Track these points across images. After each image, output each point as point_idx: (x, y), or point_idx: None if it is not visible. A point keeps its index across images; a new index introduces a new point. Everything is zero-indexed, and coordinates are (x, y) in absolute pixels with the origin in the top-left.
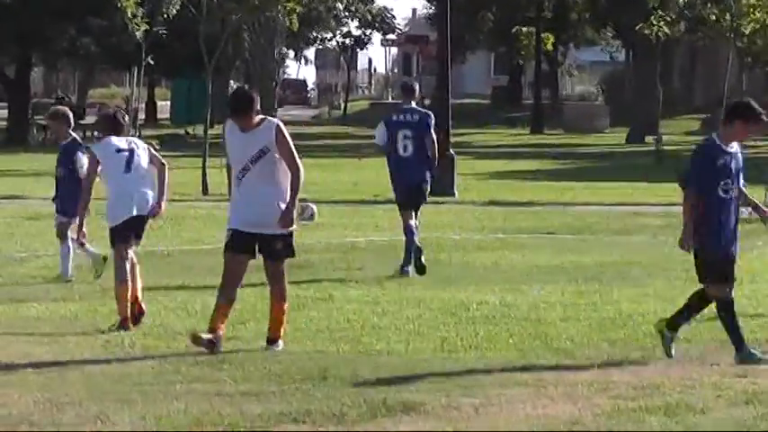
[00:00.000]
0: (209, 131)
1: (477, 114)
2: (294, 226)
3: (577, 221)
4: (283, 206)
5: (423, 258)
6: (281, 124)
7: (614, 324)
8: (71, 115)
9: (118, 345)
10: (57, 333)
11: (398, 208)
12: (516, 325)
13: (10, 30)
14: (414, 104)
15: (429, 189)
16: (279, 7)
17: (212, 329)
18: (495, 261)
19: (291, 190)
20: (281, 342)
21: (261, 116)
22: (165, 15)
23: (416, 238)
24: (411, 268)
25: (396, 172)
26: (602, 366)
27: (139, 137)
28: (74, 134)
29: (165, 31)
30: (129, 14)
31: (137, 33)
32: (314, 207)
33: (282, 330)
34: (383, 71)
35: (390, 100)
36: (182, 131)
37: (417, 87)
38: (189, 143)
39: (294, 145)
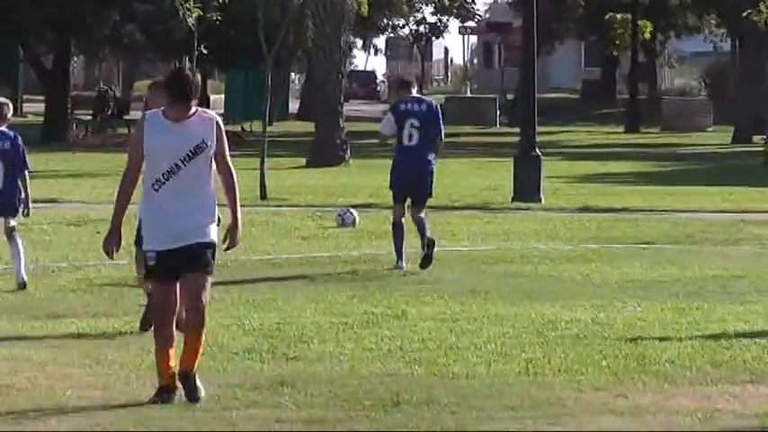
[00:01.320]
0: (269, 128)
1: (566, 111)
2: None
3: (677, 230)
4: (215, 214)
5: (434, 250)
6: (219, 118)
7: (719, 345)
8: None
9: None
10: (99, 352)
11: (393, 200)
12: (610, 345)
13: (47, 15)
14: (416, 94)
15: (431, 190)
16: None
17: (163, 387)
18: (586, 274)
19: (233, 198)
20: (198, 383)
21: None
22: (221, 0)
23: (428, 231)
24: (404, 263)
25: (399, 161)
26: (705, 392)
27: None
28: None
29: (219, 18)
30: None
31: (188, 20)
32: (355, 213)
33: (197, 364)
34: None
35: (469, 94)
36: (237, 128)
37: (414, 80)
38: (245, 141)
39: (363, 144)
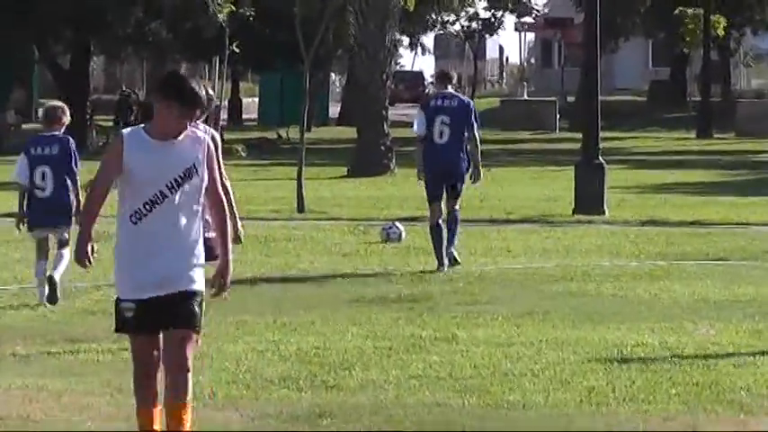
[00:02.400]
0: (307, 135)
1: (632, 114)
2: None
3: (754, 245)
4: (202, 255)
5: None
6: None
7: None
8: None
9: (195, 395)
10: (120, 380)
11: (428, 200)
12: (680, 372)
13: (64, 11)
14: (451, 89)
15: (464, 184)
16: None
17: None
18: (654, 293)
19: (224, 234)
20: None
21: None
22: None
23: (458, 228)
24: (455, 250)
25: (429, 159)
26: None
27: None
28: None
29: (252, 13)
30: None
31: (219, 16)
32: (401, 227)
33: None
34: (517, 61)
35: (525, 96)
36: (273, 135)
37: (454, 74)
38: (281, 149)
39: (410, 152)
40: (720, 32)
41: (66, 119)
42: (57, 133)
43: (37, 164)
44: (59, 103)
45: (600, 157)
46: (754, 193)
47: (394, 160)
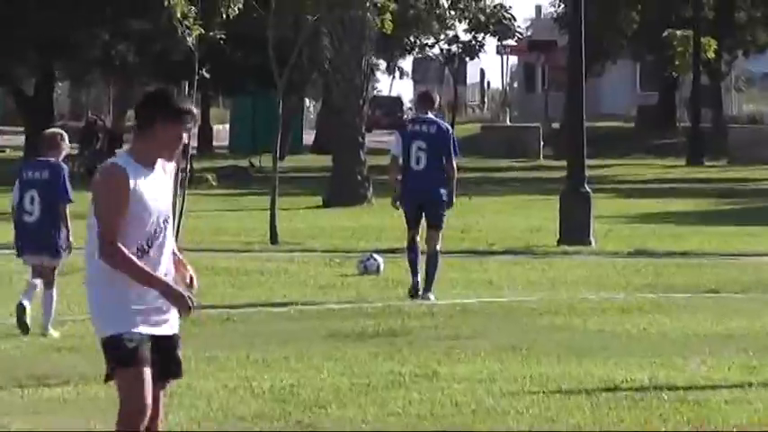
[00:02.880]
0: (280, 163)
1: (619, 141)
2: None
3: (747, 276)
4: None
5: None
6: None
7: None
8: None
9: None
10: (87, 423)
11: (407, 224)
12: (670, 409)
13: (27, 34)
14: (431, 115)
15: (445, 210)
16: (368, 4)
17: None
18: (642, 327)
19: (183, 262)
20: None
21: None
22: (225, 16)
23: (437, 273)
24: (432, 295)
25: (405, 185)
26: None
27: (191, 171)
28: None
29: (223, 37)
30: (179, 15)
31: (188, 39)
32: (379, 259)
33: None
34: (499, 86)
35: (508, 122)
36: (244, 163)
37: (437, 98)
38: (253, 178)
39: (388, 181)
40: (711, 55)
41: (66, 146)
42: (51, 159)
43: (27, 188)
44: (58, 130)
45: (586, 186)
46: (747, 223)
47: (371, 189)
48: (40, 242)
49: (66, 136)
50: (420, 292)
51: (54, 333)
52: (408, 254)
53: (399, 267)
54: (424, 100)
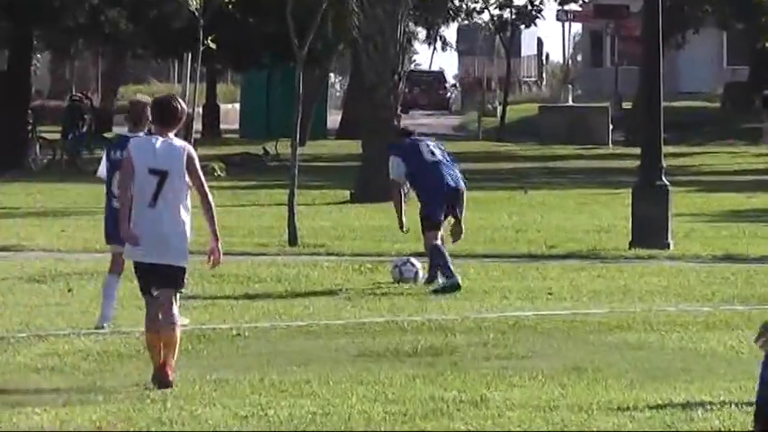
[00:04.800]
0: (300, 150)
1: (703, 124)
2: None
3: None
4: None
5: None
6: None
7: None
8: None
9: None
10: None
11: (430, 228)
12: None
13: None
14: None
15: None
16: None
17: None
18: (730, 345)
19: None
20: None
21: None
22: None
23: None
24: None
25: (433, 180)
26: None
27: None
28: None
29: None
30: None
31: (191, 2)
32: (417, 264)
33: None
34: (560, 59)
35: (570, 102)
36: (258, 150)
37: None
38: (269, 168)
39: None
40: None
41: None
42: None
43: (114, 169)
44: (144, 98)
45: (663, 178)
46: None
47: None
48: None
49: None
50: (426, 281)
51: (185, 319)
52: (437, 255)
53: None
54: (404, 135)
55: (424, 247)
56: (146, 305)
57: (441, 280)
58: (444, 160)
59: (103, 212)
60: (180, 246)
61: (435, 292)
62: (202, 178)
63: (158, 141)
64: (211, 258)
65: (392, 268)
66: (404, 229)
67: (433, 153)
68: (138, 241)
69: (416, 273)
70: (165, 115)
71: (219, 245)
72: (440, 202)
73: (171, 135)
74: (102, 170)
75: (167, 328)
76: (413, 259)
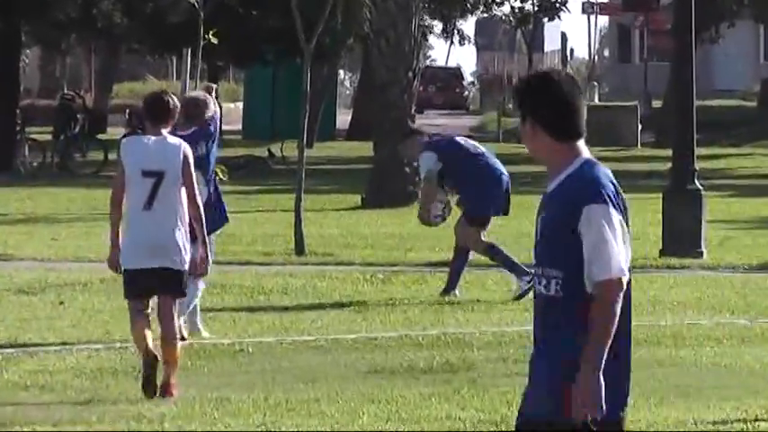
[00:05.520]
0: (308, 152)
1: (738, 124)
2: None
3: None
4: None
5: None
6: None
7: None
8: None
9: None
10: None
11: (482, 225)
12: None
13: None
14: None
15: None
16: None
17: None
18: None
19: None
20: None
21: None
22: None
23: None
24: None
25: (487, 170)
26: None
27: None
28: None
29: None
30: None
31: None
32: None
33: None
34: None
35: (597, 100)
36: (262, 152)
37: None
38: (274, 171)
39: None
40: None
41: (212, 112)
42: (198, 128)
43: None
44: (200, 95)
45: (696, 182)
46: None
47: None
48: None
49: (209, 101)
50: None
51: (205, 332)
52: (498, 253)
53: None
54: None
55: (472, 249)
56: (131, 311)
57: (516, 282)
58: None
59: (94, 219)
60: (180, 249)
61: (518, 298)
62: (194, 180)
63: (151, 140)
64: (198, 267)
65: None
66: (434, 218)
67: (475, 146)
68: (119, 268)
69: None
70: (157, 112)
71: (207, 252)
72: (496, 195)
73: (165, 132)
74: None
75: (169, 344)
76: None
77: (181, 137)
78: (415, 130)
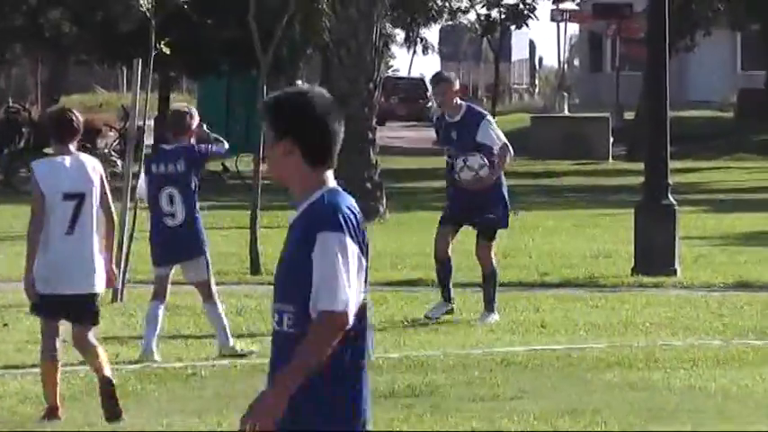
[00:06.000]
0: (263, 167)
1: (714, 136)
2: None
3: None
4: None
5: None
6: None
7: None
8: None
9: None
10: None
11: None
12: None
13: None
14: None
15: None
16: None
17: None
18: (745, 385)
19: None
20: None
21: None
22: None
23: None
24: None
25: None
26: None
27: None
28: None
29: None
30: None
31: (141, 2)
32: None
33: None
34: (554, 64)
35: (567, 112)
36: (216, 167)
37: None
38: (228, 186)
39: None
40: None
41: (195, 125)
42: (186, 144)
43: (158, 185)
44: (184, 107)
45: (670, 197)
46: None
47: (384, 201)
48: (187, 245)
49: (195, 114)
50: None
51: (238, 347)
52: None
53: (420, 304)
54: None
55: (489, 265)
56: (44, 332)
57: (495, 317)
58: None
59: None
60: (101, 272)
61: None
62: (110, 198)
63: (65, 160)
64: (108, 282)
65: (460, 166)
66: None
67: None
68: (36, 298)
69: (482, 165)
70: (63, 130)
71: (114, 267)
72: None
73: (73, 149)
74: (142, 189)
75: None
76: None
77: (165, 151)
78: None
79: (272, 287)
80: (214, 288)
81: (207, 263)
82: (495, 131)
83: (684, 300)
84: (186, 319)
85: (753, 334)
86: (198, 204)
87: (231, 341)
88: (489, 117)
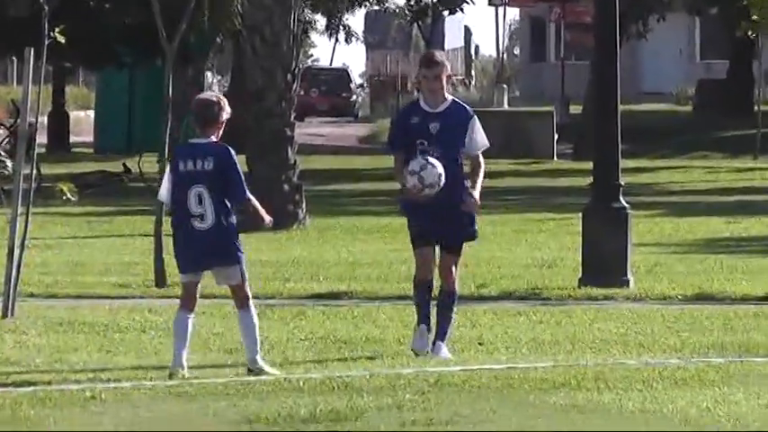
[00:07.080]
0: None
1: (670, 132)
2: None
3: None
4: None
5: None
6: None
7: None
8: None
9: None
10: None
11: None
12: None
13: None
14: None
15: None
16: None
17: None
18: (705, 406)
19: None
20: None
21: None
22: None
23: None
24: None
25: None
26: None
27: (38, 179)
28: None
29: None
30: None
31: None
32: (438, 166)
33: None
34: (493, 52)
35: (506, 106)
36: (118, 168)
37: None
38: (131, 189)
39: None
40: None
41: (225, 117)
42: (213, 139)
43: (185, 183)
44: (213, 96)
45: (621, 199)
46: None
47: (304, 206)
48: (218, 251)
49: (225, 104)
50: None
51: (267, 367)
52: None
53: (345, 321)
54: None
55: (452, 284)
56: None
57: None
58: None
59: None
60: None
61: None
62: None
63: None
64: None
65: (409, 175)
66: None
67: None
68: None
69: (439, 175)
70: None
71: None
72: None
73: None
74: (164, 192)
75: None
76: (431, 158)
77: (193, 146)
78: None
79: (177, 301)
80: (249, 292)
81: (242, 272)
82: (482, 135)
83: (638, 314)
84: (83, 335)
85: (713, 351)
86: (231, 207)
87: (260, 358)
88: (475, 116)
